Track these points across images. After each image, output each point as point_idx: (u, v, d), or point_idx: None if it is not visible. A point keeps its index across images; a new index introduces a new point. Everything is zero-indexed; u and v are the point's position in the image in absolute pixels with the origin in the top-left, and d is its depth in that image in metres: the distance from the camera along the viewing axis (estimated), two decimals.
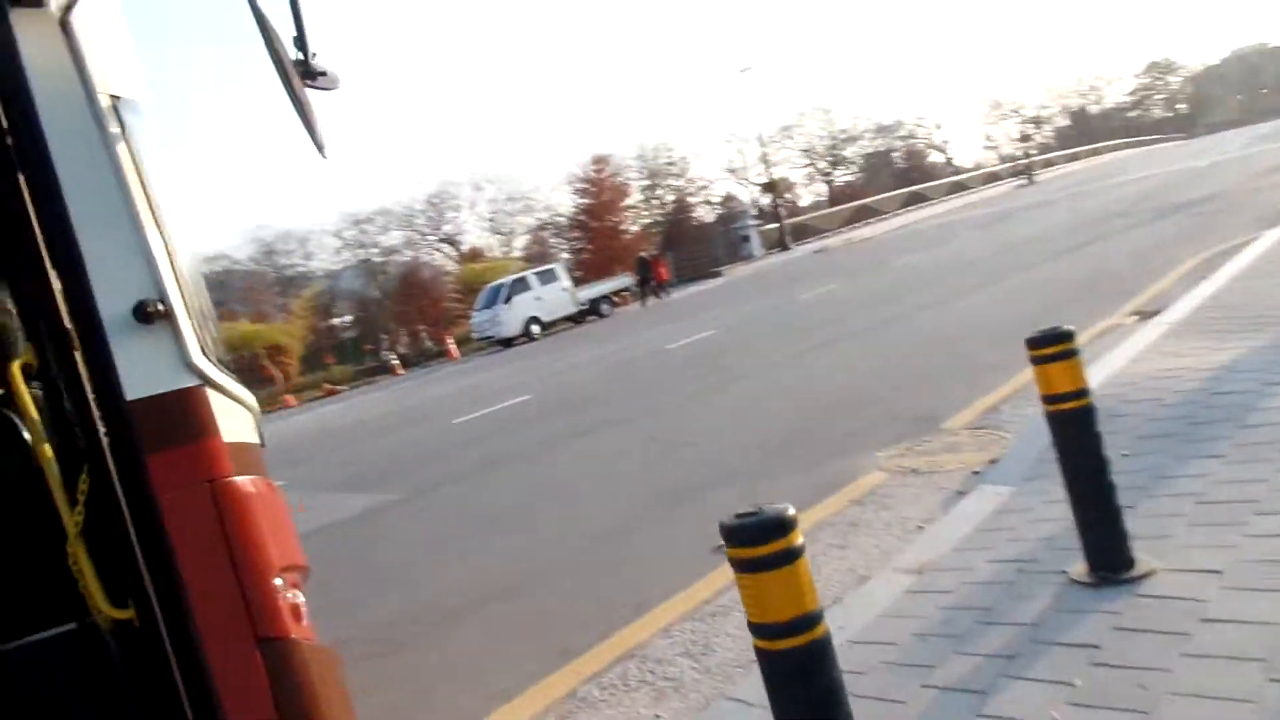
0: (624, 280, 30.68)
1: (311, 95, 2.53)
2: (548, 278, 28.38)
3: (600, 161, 48.20)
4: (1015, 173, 54.10)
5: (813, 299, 16.80)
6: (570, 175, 53.65)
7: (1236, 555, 2.88)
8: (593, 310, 28.78)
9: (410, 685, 3.79)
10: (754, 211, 44.07)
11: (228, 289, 58.49)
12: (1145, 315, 7.77)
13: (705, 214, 63.49)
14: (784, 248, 37.89)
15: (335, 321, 48.78)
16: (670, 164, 67.06)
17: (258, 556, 2.13)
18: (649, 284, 29.82)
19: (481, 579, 5.09)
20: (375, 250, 59.77)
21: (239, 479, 2.13)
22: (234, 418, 2.28)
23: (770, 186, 41.13)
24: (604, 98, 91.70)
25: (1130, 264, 11.03)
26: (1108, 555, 2.99)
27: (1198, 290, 7.57)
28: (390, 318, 45.56)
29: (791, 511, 1.83)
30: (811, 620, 1.82)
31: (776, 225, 40.02)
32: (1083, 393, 2.98)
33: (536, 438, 9.29)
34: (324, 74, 2.37)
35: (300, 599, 2.35)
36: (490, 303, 27.51)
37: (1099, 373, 5.68)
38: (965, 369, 7.48)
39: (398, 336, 38.19)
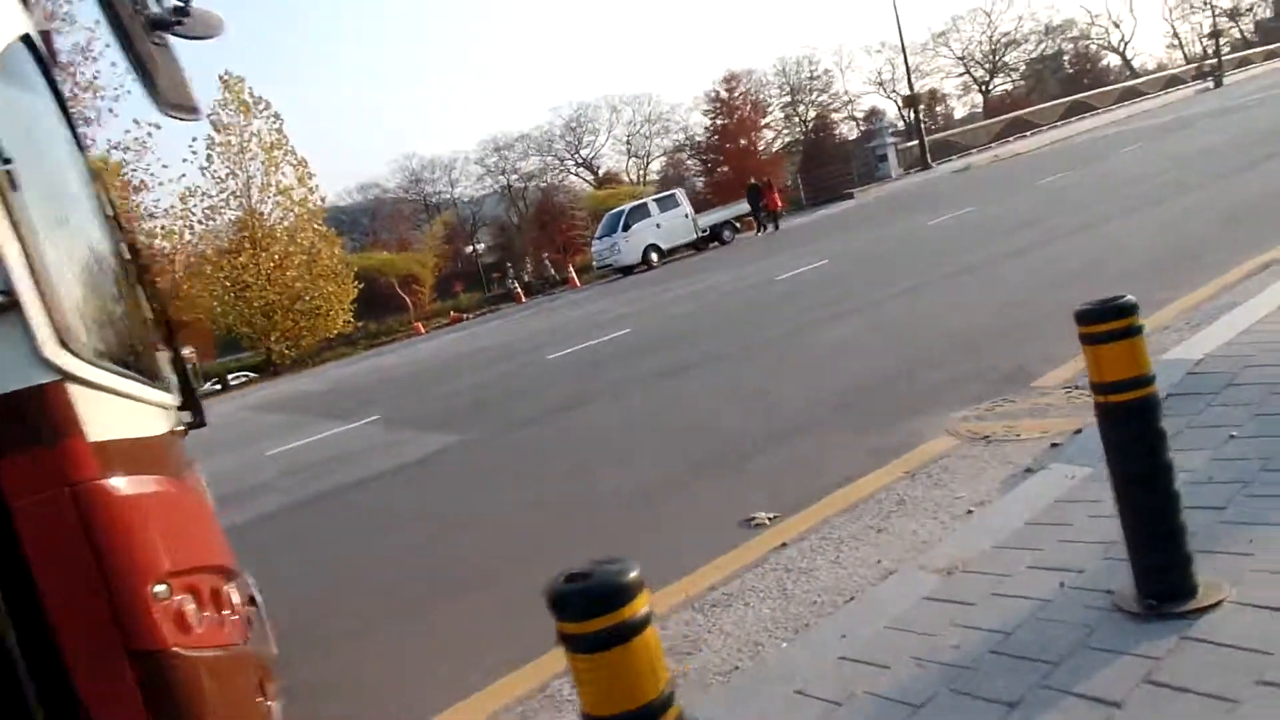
0: (746, 206, 29.60)
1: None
2: (668, 204, 27.77)
3: (732, 80, 46.48)
4: (1200, 75, 48.33)
5: (939, 225, 15.59)
6: (705, 94, 52.11)
7: None
8: (715, 237, 28.02)
9: (382, 670, 3.65)
10: (895, 128, 41.47)
11: (377, 217, 61.22)
12: None
13: (850, 131, 60.57)
14: (925, 166, 35.51)
15: (470, 249, 50.06)
16: (813, 78, 64.01)
17: (131, 563, 1.95)
18: (761, 212, 28.57)
19: (506, 543, 4.92)
20: (515, 176, 60.70)
21: (111, 481, 1.93)
22: (114, 413, 2.08)
23: (911, 100, 38.39)
24: (749, 7, 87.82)
25: None
26: (1160, 580, 2.42)
27: None
28: (529, 243, 46.30)
29: (634, 573, 1.43)
30: (653, 712, 1.44)
31: (916, 143, 37.50)
32: (1144, 380, 2.37)
33: (620, 378, 9.05)
34: (180, 22, 2.05)
35: (190, 606, 2.16)
36: (610, 230, 27.24)
37: (1230, 326, 4.82)
38: None
39: (525, 264, 38.76)
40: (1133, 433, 2.40)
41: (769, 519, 4.11)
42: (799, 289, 12.39)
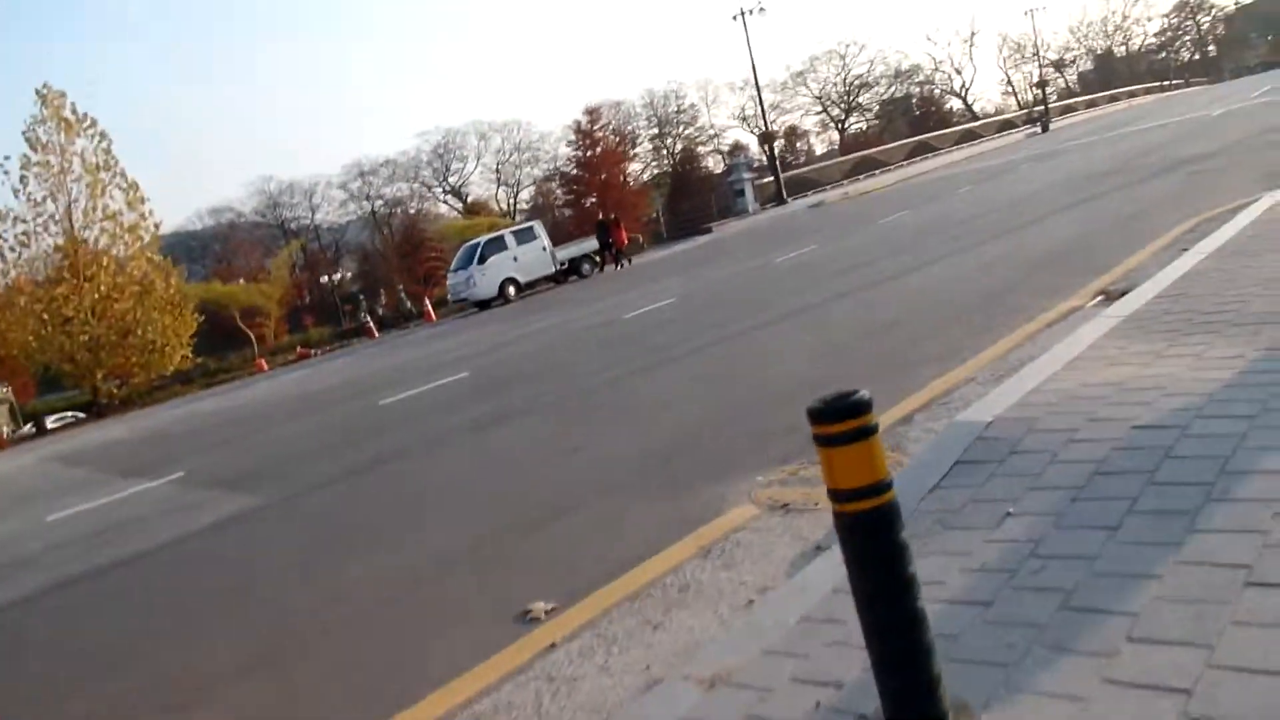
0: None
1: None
2: (525, 237, 27.28)
3: (594, 112, 46.70)
4: (1029, 120, 52.16)
5: (786, 264, 15.83)
6: (570, 126, 52.14)
7: (1083, 718, 2.04)
8: (574, 270, 27.73)
9: None
10: (752, 164, 42.56)
11: (229, 242, 57.91)
12: (1111, 296, 6.86)
13: (716, 165, 61.98)
14: (780, 201, 36.56)
15: (325, 279, 48.05)
16: (680, 111, 65.26)
17: None
18: (609, 249, 28.44)
19: (266, 637, 4.32)
20: (380, 202, 58.72)
21: None
22: None
23: (767, 137, 39.53)
24: (619, 38, 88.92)
25: (1114, 230, 10.03)
26: (905, 705, 2.16)
27: (1166, 270, 6.61)
28: (392, 272, 44.69)
29: None
30: None
31: (773, 179, 38.60)
32: (881, 488, 2.11)
33: (440, 428, 8.54)
34: None
35: None
36: (465, 263, 26.42)
37: (1025, 381, 4.79)
38: (898, 361, 6.60)
39: (381, 296, 37.34)
40: (870, 546, 2.13)
41: (545, 611, 3.71)
42: (641, 329, 12.19)
